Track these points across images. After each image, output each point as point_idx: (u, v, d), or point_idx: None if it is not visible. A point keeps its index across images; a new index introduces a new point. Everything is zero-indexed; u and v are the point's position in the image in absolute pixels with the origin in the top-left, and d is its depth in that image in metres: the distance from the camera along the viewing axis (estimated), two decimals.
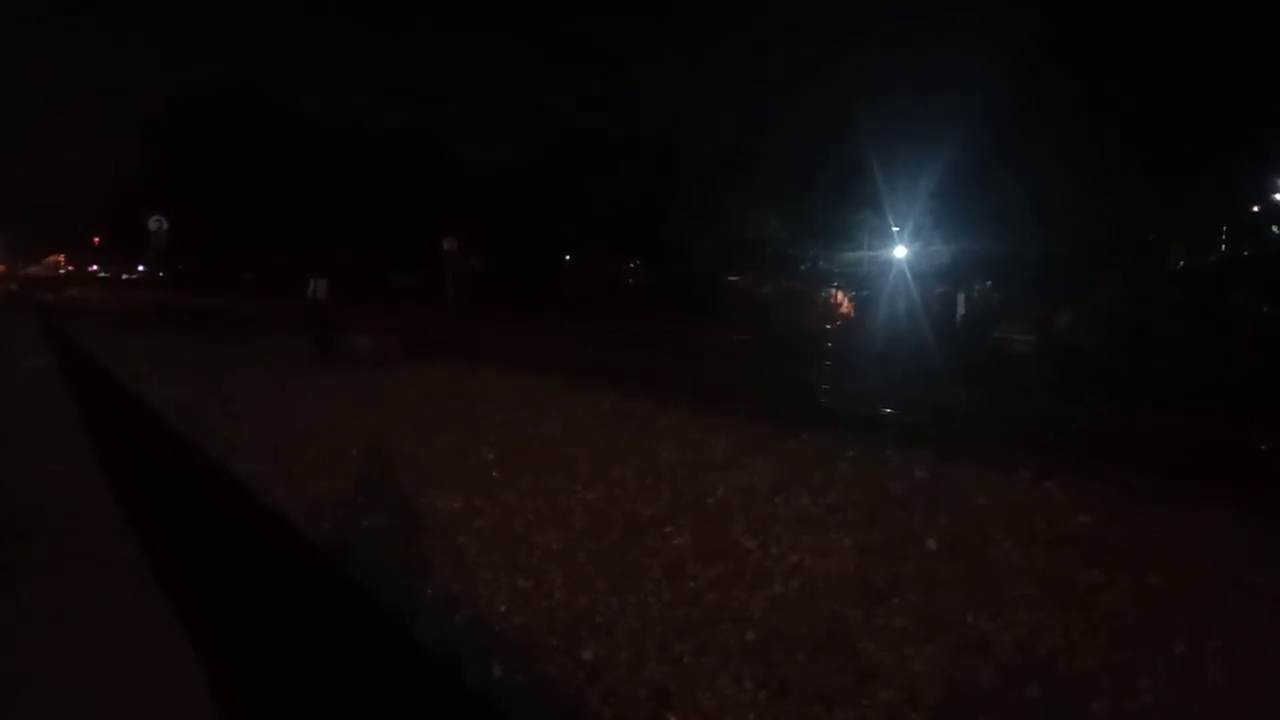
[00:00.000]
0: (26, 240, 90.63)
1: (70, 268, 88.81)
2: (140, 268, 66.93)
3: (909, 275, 24.39)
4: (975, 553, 4.94)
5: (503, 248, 38.99)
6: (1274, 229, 24.31)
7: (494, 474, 7.42)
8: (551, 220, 38.62)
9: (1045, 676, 3.77)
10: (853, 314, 28.13)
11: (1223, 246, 25.03)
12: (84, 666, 3.61)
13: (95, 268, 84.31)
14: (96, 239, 73.32)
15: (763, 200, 30.90)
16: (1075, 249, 22.28)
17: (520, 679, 4.24)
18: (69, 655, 3.70)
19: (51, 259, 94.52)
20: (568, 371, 11.60)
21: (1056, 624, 4.13)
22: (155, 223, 26.93)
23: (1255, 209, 24.05)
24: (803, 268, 31.67)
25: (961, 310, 24.70)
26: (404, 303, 32.86)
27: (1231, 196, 23.38)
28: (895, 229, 25.93)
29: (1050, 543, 4.99)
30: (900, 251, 25.60)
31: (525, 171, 42.69)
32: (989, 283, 25.26)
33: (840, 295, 29.71)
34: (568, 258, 40.39)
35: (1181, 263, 25.02)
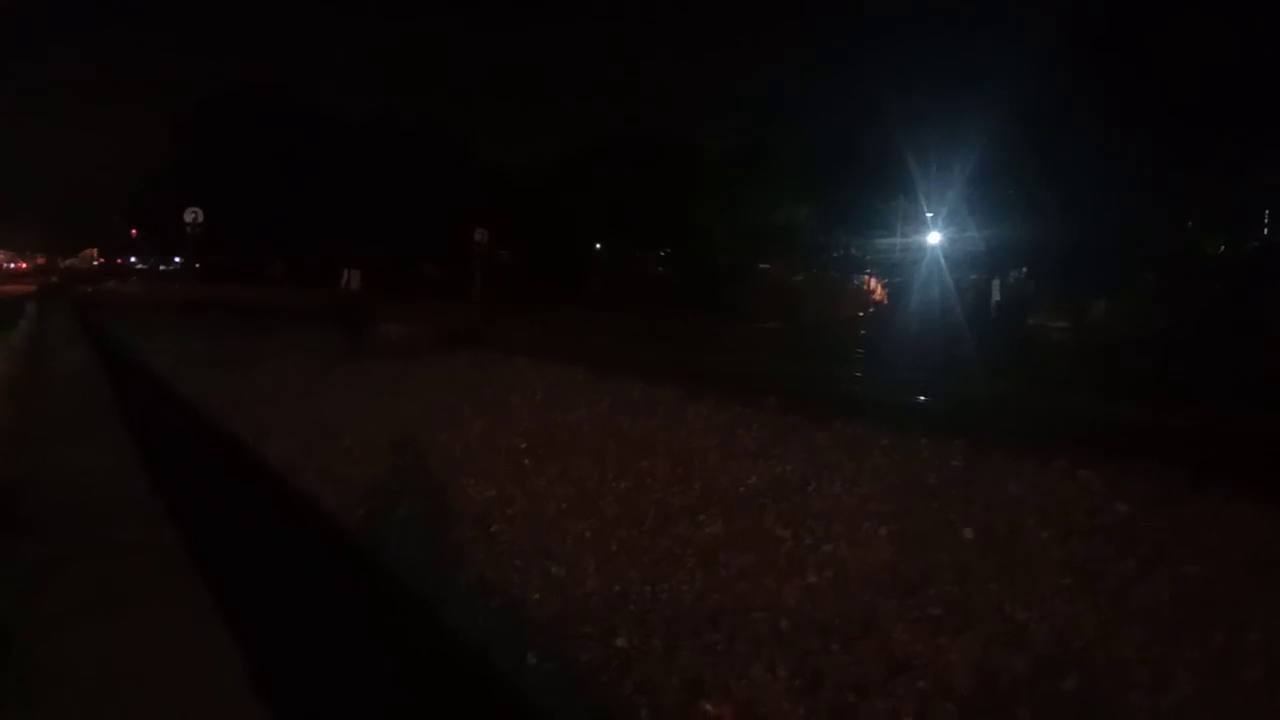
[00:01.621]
0: (63, 234, 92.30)
1: (101, 261, 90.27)
2: (176, 260, 67.74)
3: (943, 262, 24.09)
4: (1010, 543, 4.90)
5: (530, 241, 39.09)
6: None
7: (525, 462, 7.46)
8: (577, 214, 38.64)
9: (1081, 668, 3.73)
10: (885, 301, 27.94)
11: (1265, 231, 24.52)
12: (126, 650, 3.67)
13: (133, 260, 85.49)
14: (134, 231, 74.27)
15: (792, 188, 30.67)
16: (1108, 238, 21.95)
17: (554, 666, 4.27)
18: (114, 639, 3.76)
19: (86, 252, 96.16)
20: (596, 362, 11.61)
21: (1092, 615, 4.08)
22: (191, 214, 27.23)
23: None
24: (835, 255, 31.43)
25: (996, 298, 24.43)
26: (432, 294, 33.05)
27: (1262, 183, 22.90)
28: (929, 215, 25.62)
29: (1085, 533, 4.93)
30: (934, 238, 25.28)
31: (550, 166, 42.74)
32: (1024, 270, 24.95)
33: (873, 282, 29.50)
34: (597, 246, 40.41)
35: (1222, 248, 24.57)
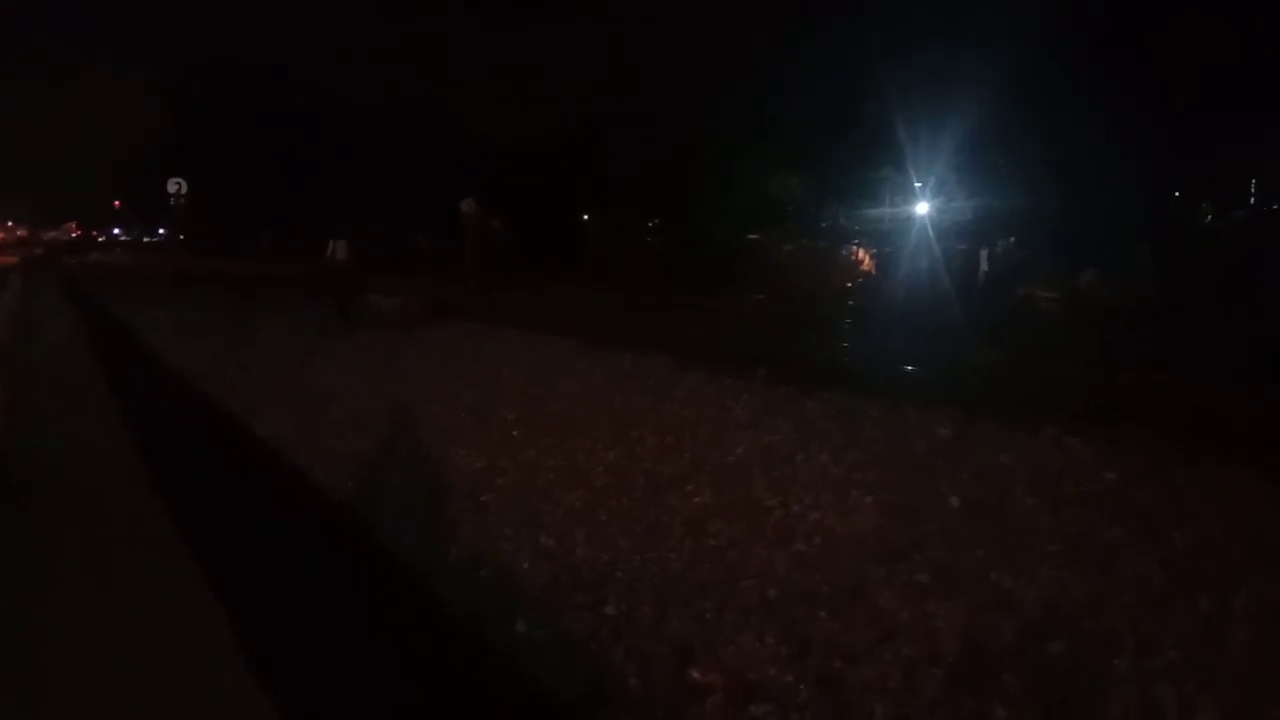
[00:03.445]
0: (44, 206, 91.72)
1: (78, 233, 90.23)
2: (161, 231, 67.41)
3: (931, 232, 24.05)
4: (998, 511, 4.92)
5: (522, 213, 38.84)
6: None
7: (515, 433, 7.45)
8: (569, 182, 38.45)
9: (1068, 634, 3.76)
10: (874, 271, 27.91)
11: (1251, 200, 24.59)
12: (116, 619, 3.67)
13: (116, 231, 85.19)
14: (117, 203, 73.82)
15: (784, 160, 30.56)
16: (1099, 206, 21.97)
17: (544, 634, 4.29)
18: (103, 608, 3.76)
19: (67, 225, 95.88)
20: (587, 333, 11.57)
21: (1080, 582, 4.11)
22: (174, 185, 27.03)
23: None
24: (823, 225, 31.32)
25: (984, 267, 24.44)
26: (424, 266, 32.88)
27: (1257, 150, 22.93)
28: (917, 185, 25.57)
29: (1075, 501, 4.95)
30: (922, 208, 25.26)
31: (545, 140, 42.43)
32: (1012, 239, 24.94)
33: (861, 253, 29.44)
34: (585, 217, 40.23)
35: (1209, 218, 24.60)
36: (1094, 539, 4.49)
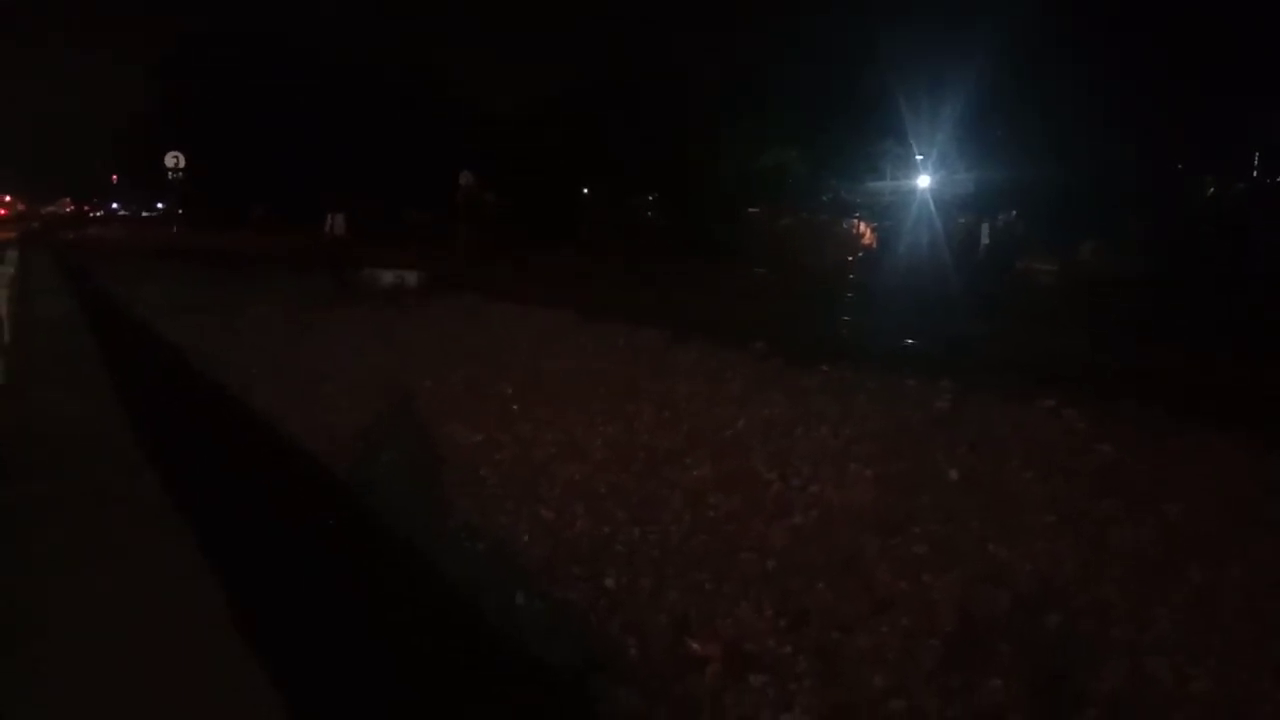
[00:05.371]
0: (43, 181, 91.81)
1: (71, 208, 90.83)
2: (159, 205, 67.24)
3: (932, 205, 23.99)
4: (994, 483, 4.93)
5: (518, 185, 38.67)
6: None
7: (513, 408, 7.45)
8: (567, 157, 38.24)
9: (1063, 605, 3.78)
10: (874, 245, 27.86)
11: (1254, 173, 24.46)
12: (112, 594, 3.69)
13: (115, 206, 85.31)
14: (114, 177, 73.62)
15: (783, 131, 30.36)
16: (1099, 179, 21.89)
17: (543, 606, 4.31)
18: (102, 589, 3.78)
19: (63, 201, 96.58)
20: (584, 307, 11.56)
21: (1075, 554, 4.13)
22: (172, 159, 26.89)
23: None
24: (824, 199, 31.19)
25: (985, 241, 24.40)
26: (420, 240, 32.76)
27: (1259, 123, 22.79)
28: (919, 157, 25.44)
29: (1070, 473, 4.97)
30: (923, 181, 25.15)
31: (542, 111, 42.14)
32: (1013, 213, 24.87)
33: (862, 226, 29.36)
34: (585, 191, 40.04)
35: (1211, 190, 24.49)
36: (1089, 510, 4.50)
